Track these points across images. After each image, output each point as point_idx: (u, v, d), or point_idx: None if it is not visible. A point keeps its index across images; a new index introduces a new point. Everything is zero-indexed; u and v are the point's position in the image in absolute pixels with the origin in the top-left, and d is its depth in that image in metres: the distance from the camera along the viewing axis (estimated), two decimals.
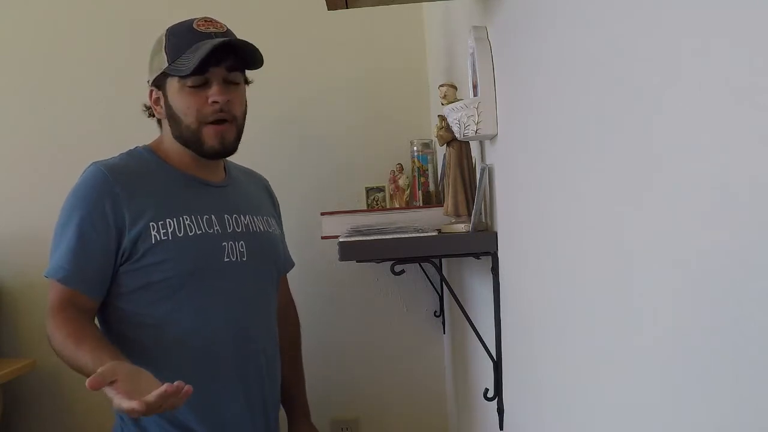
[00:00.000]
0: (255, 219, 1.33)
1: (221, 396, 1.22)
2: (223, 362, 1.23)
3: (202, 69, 1.18)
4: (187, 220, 1.20)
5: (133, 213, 1.16)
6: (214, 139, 1.22)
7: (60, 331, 1.12)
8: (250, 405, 1.27)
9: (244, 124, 1.29)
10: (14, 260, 1.97)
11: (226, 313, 1.23)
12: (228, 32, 1.24)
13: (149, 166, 1.25)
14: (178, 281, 1.18)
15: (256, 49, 1.22)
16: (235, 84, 1.25)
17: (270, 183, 1.53)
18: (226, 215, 1.26)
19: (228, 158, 1.34)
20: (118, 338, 1.19)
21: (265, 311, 1.34)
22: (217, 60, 1.19)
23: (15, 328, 1.97)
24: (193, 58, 1.17)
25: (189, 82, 1.20)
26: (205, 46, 1.17)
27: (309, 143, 2.03)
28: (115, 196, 1.17)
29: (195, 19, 1.23)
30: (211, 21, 1.23)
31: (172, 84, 1.22)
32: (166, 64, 1.21)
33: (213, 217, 1.25)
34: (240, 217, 1.29)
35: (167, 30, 1.24)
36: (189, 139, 1.23)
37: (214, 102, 1.20)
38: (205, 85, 1.21)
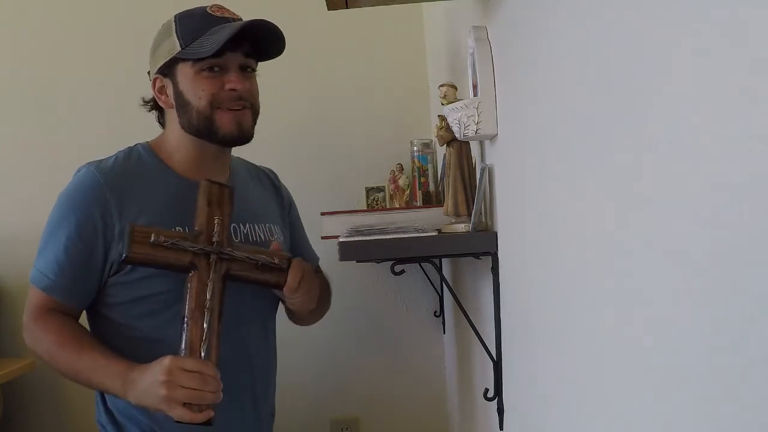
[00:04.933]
0: (255, 227, 1.25)
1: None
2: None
3: (220, 52, 1.12)
4: (180, 231, 1.13)
5: (124, 224, 1.11)
6: (231, 124, 1.16)
7: (48, 336, 1.12)
8: (245, 424, 1.22)
9: (259, 111, 1.23)
10: (14, 260, 1.98)
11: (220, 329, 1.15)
12: (241, 20, 1.18)
13: (147, 169, 1.19)
14: (167, 297, 1.12)
15: (280, 34, 1.16)
16: (251, 70, 1.20)
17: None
18: None
19: (235, 155, 1.29)
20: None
21: (262, 324, 1.28)
22: (234, 45, 1.13)
23: (15, 328, 1.97)
24: (213, 39, 1.11)
25: (206, 65, 1.14)
26: (230, 27, 1.12)
27: (309, 143, 2.03)
28: (106, 204, 1.11)
29: (205, 5, 1.17)
30: (223, 8, 1.18)
31: (184, 69, 1.15)
32: (179, 49, 1.14)
33: None
34: (239, 227, 1.22)
35: (176, 16, 1.18)
36: (201, 126, 1.16)
37: (232, 89, 1.15)
38: (221, 70, 1.15)
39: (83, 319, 1.21)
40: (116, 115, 1.96)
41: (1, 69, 2.04)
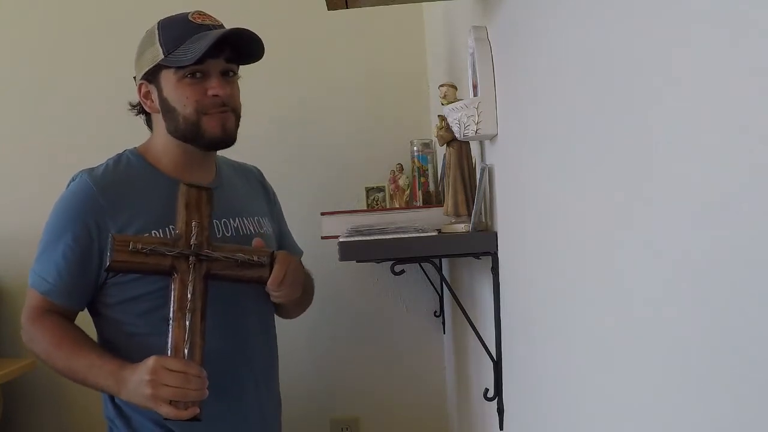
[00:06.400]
0: (245, 221, 1.28)
1: (211, 408, 1.13)
2: (212, 373, 1.13)
3: (201, 60, 1.15)
4: (173, 229, 1.16)
5: (118, 227, 1.14)
6: (216, 128, 1.19)
7: (45, 336, 1.16)
8: (244, 416, 1.23)
9: (240, 114, 1.26)
10: (14, 260, 1.98)
11: (216, 322, 1.17)
12: (222, 26, 1.22)
13: (136, 173, 1.22)
14: (161, 294, 1.14)
15: (259, 41, 1.19)
16: (232, 75, 1.23)
17: (272, 184, 1.50)
18: (214, 221, 1.21)
19: (221, 154, 1.31)
20: (109, 346, 1.19)
21: (259, 314, 1.30)
22: (216, 52, 1.16)
23: (15, 328, 1.96)
24: (195, 48, 1.14)
25: (188, 71, 1.17)
26: (210, 36, 1.15)
27: (309, 143, 2.03)
28: (100, 210, 1.15)
29: (187, 12, 1.20)
30: (205, 14, 1.21)
31: (168, 75, 1.19)
32: (162, 56, 1.17)
33: None
34: (229, 221, 1.25)
35: (158, 23, 1.21)
36: (187, 131, 1.20)
37: (215, 95, 1.18)
38: (203, 76, 1.18)
39: (86, 320, 1.22)
40: (116, 116, 1.95)
41: (1, 69, 2.04)
